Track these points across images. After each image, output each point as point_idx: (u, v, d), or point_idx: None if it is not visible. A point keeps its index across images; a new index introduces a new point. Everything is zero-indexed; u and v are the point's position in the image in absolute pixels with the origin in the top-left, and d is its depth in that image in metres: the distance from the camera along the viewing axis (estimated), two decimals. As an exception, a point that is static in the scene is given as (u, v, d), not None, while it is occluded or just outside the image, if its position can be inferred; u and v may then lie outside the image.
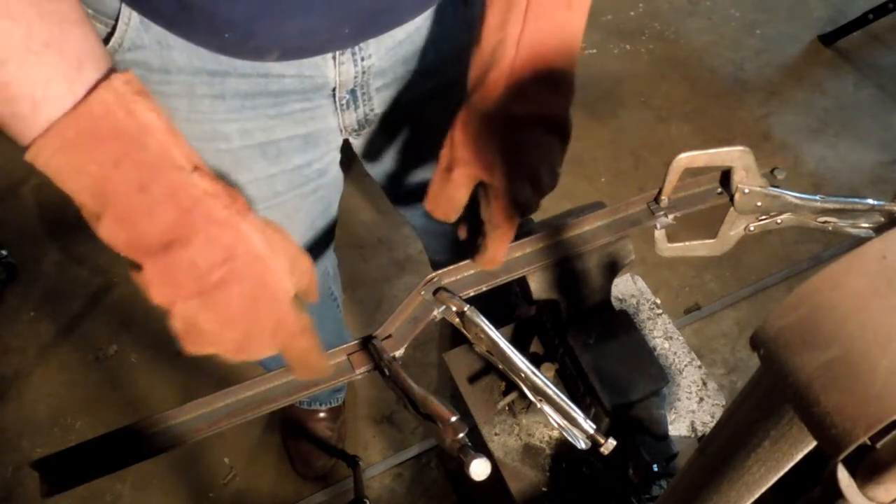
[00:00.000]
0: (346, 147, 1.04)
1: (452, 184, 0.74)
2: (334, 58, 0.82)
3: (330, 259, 1.29)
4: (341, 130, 0.95)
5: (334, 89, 0.86)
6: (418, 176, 1.10)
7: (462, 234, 0.82)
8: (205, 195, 0.55)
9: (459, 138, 0.73)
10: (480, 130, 0.71)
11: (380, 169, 1.11)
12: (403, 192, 1.15)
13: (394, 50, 0.86)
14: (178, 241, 0.54)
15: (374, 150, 1.05)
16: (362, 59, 0.84)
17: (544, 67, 0.70)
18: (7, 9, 0.49)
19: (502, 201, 0.71)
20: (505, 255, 0.75)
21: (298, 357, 0.63)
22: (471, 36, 0.94)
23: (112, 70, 0.54)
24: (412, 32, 0.86)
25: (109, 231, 0.54)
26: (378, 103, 0.93)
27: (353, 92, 0.89)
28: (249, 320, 0.58)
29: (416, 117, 0.98)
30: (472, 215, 0.77)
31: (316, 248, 1.14)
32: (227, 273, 0.56)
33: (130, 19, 0.73)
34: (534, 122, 0.71)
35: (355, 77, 0.86)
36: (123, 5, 0.73)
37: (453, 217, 0.77)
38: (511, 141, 0.71)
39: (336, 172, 1.05)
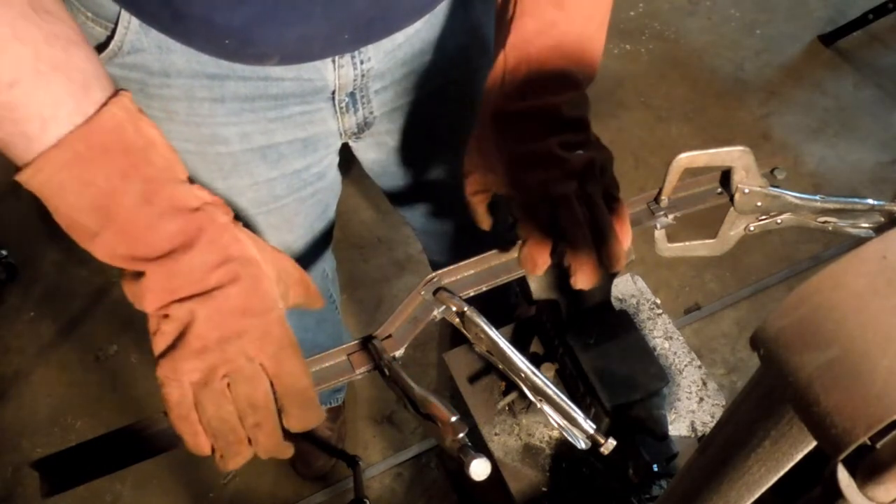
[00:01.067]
0: (345, 148, 1.04)
1: (468, 193, 0.75)
2: (333, 61, 0.82)
3: (328, 261, 1.29)
4: (341, 134, 0.95)
5: (333, 92, 0.86)
6: (418, 177, 1.10)
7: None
8: (205, 204, 0.57)
9: (472, 144, 0.74)
10: (484, 134, 0.72)
11: (380, 171, 1.11)
12: (404, 194, 1.15)
13: (392, 53, 0.86)
14: (181, 247, 0.55)
15: (373, 152, 1.05)
16: (361, 63, 0.84)
17: (536, 66, 0.69)
18: (14, 32, 0.51)
19: (520, 212, 0.68)
20: (542, 268, 0.68)
21: (289, 379, 0.60)
22: (469, 38, 0.94)
23: (119, 90, 0.56)
24: (411, 35, 0.86)
25: (108, 246, 0.55)
26: (377, 105, 0.93)
27: (352, 95, 0.89)
28: (241, 323, 0.57)
29: (416, 119, 0.98)
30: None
31: (314, 251, 1.14)
32: (226, 274, 0.57)
33: (130, 23, 0.73)
34: (527, 119, 0.69)
35: (354, 80, 0.86)
36: (123, 9, 0.73)
37: (486, 226, 0.77)
38: (508, 138, 0.70)
39: (335, 175, 1.05)
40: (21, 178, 0.53)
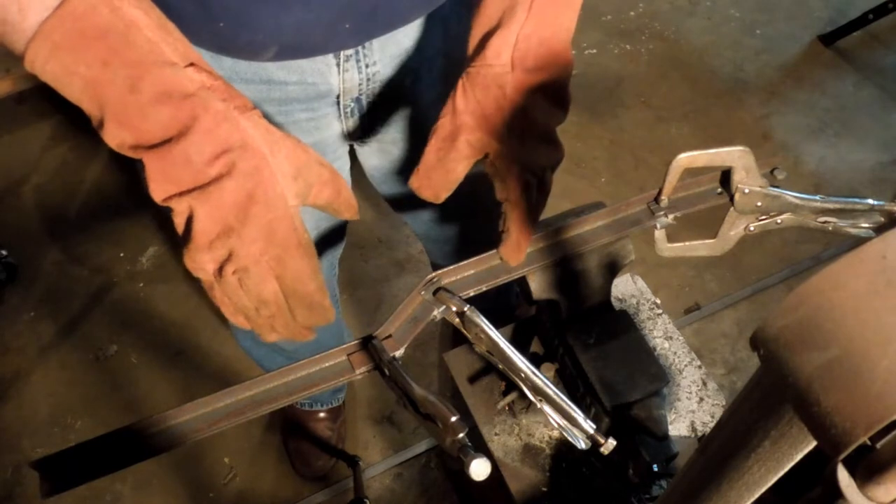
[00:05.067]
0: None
1: (455, 154, 0.70)
2: (338, 65, 0.81)
3: (337, 258, 1.28)
4: (345, 136, 0.94)
5: (338, 97, 0.85)
6: None
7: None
8: (200, 89, 0.54)
9: (463, 105, 0.69)
10: (486, 96, 0.68)
11: (381, 178, 1.09)
12: (405, 201, 1.14)
13: (399, 59, 0.85)
14: (176, 135, 0.53)
15: (376, 159, 1.04)
16: (367, 66, 0.83)
17: (550, 36, 0.67)
18: None
19: (516, 170, 0.68)
20: (528, 244, 0.71)
21: (293, 282, 0.58)
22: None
23: None
24: (418, 40, 0.85)
25: (113, 135, 0.53)
26: (384, 114, 0.92)
27: (358, 100, 0.87)
28: (240, 220, 0.55)
29: (423, 129, 0.97)
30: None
31: (320, 247, 1.12)
32: (224, 166, 0.54)
33: None
34: (538, 89, 0.68)
35: (360, 85, 0.85)
36: None
37: (444, 196, 0.73)
38: (517, 106, 0.67)
39: (345, 179, 1.04)
40: (26, 66, 0.51)
